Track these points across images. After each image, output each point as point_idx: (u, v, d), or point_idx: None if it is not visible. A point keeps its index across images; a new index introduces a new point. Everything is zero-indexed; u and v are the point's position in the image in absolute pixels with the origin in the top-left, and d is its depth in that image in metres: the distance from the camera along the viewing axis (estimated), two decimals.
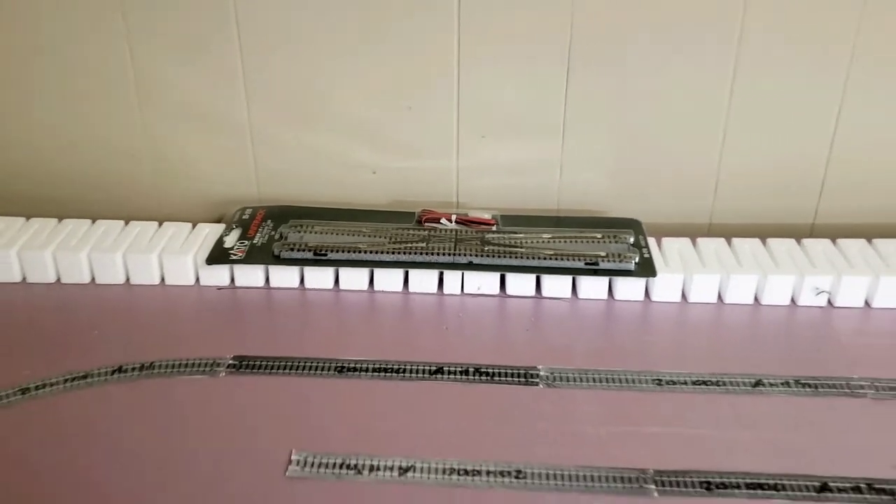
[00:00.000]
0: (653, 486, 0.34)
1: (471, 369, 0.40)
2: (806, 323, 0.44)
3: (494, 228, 0.48)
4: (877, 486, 0.34)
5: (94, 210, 0.51)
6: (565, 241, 0.46)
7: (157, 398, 0.39)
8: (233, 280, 0.46)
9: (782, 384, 0.39)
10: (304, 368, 0.40)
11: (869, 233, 0.48)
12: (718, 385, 0.39)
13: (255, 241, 0.47)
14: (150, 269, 0.46)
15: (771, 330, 0.43)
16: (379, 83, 0.49)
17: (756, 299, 0.45)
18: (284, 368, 0.41)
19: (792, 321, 0.44)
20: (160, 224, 0.49)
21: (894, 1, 0.45)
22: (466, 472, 0.34)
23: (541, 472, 0.34)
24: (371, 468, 0.35)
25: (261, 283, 0.46)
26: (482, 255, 0.45)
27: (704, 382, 0.39)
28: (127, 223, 0.49)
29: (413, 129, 0.50)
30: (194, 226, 0.49)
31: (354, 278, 0.46)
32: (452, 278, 0.46)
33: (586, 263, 0.44)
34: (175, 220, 0.49)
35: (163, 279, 0.47)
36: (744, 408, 0.38)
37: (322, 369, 0.40)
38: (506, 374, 0.40)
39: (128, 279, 0.47)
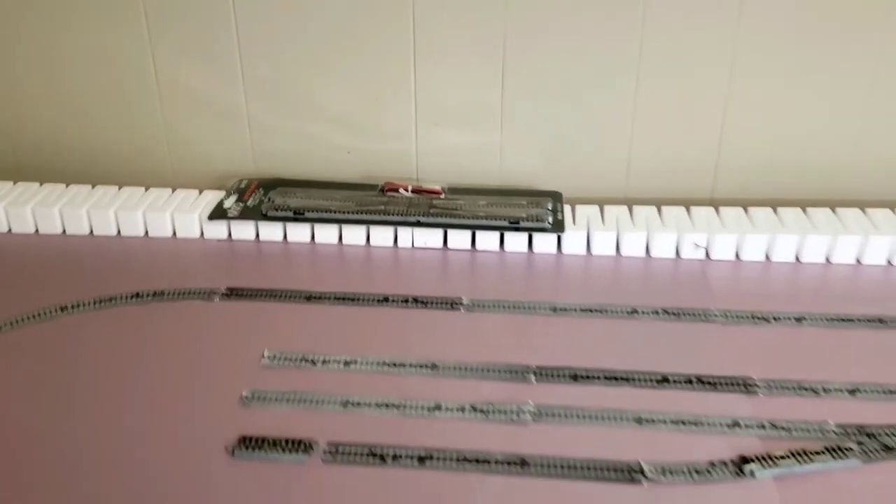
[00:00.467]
0: (532, 377, 0.44)
1: (410, 298, 0.51)
2: (685, 271, 0.54)
3: (442, 196, 0.59)
4: (704, 379, 0.44)
5: (120, 179, 0.63)
6: (496, 207, 0.57)
7: (166, 316, 0.50)
8: (230, 234, 0.58)
9: (653, 312, 0.50)
10: (280, 297, 0.52)
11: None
12: (601, 312, 0.50)
13: (248, 204, 0.58)
14: (164, 224, 0.58)
15: (654, 276, 0.54)
16: (353, 80, 0.60)
17: (647, 253, 0.55)
18: (265, 297, 0.52)
19: (673, 270, 0.54)
20: (173, 190, 0.61)
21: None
22: (395, 365, 0.45)
23: (451, 366, 0.45)
24: (323, 361, 0.46)
25: (252, 236, 0.58)
26: (428, 216, 0.56)
27: (590, 310, 0.50)
28: (147, 189, 0.61)
29: (380, 117, 0.61)
30: (201, 192, 0.61)
31: (326, 233, 0.57)
32: (404, 234, 0.57)
33: (510, 222, 0.55)
34: (186, 188, 0.61)
35: (174, 233, 0.58)
36: (618, 328, 0.49)
37: (294, 297, 0.52)
38: (436, 302, 0.51)
39: (146, 232, 0.58)
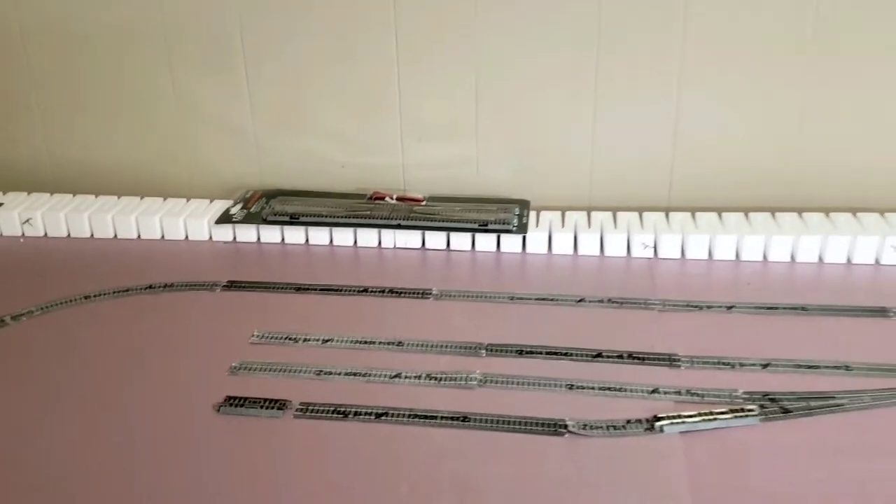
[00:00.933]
0: (484, 352, 0.51)
1: (386, 289, 0.58)
2: (634, 267, 0.61)
3: (423, 204, 0.66)
4: (634, 355, 0.50)
5: (141, 190, 0.71)
6: (469, 212, 0.64)
7: (173, 304, 0.58)
8: (235, 237, 0.66)
9: (598, 301, 0.56)
10: (273, 288, 0.59)
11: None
12: (553, 300, 0.56)
13: (251, 211, 0.66)
14: (178, 228, 0.66)
15: (606, 272, 0.60)
16: (346, 102, 0.68)
17: (602, 252, 0.62)
18: (260, 288, 0.59)
19: (624, 266, 0.61)
20: (188, 199, 0.69)
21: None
22: (366, 342, 0.52)
23: (414, 343, 0.52)
24: (304, 340, 0.53)
25: (253, 238, 0.66)
26: (408, 220, 0.63)
27: (543, 299, 0.56)
28: (165, 199, 0.69)
29: (370, 134, 0.69)
30: (211, 201, 0.69)
31: (319, 236, 0.65)
32: (387, 236, 0.64)
33: (480, 225, 0.62)
34: (199, 197, 0.69)
35: (186, 235, 0.66)
36: (565, 314, 0.55)
37: (286, 289, 0.59)
38: (409, 292, 0.58)
39: (163, 235, 0.66)
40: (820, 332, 0.53)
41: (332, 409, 0.46)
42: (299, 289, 0.59)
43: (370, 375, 0.49)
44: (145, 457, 0.43)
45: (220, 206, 0.68)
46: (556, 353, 0.51)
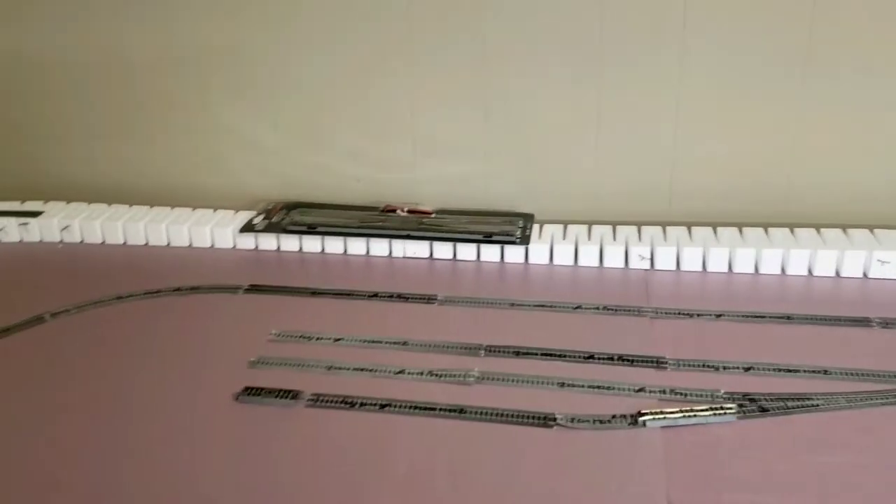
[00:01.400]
0: (483, 352, 0.54)
1: (395, 294, 0.62)
2: (631, 277, 0.64)
3: (432, 216, 0.70)
4: (624, 357, 0.53)
5: (172, 201, 0.76)
6: (475, 224, 0.68)
7: (199, 304, 0.62)
8: (257, 245, 0.70)
9: (594, 308, 0.59)
10: (290, 292, 0.63)
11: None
12: (551, 307, 0.60)
13: (272, 221, 0.71)
14: (204, 236, 0.70)
15: (604, 282, 0.64)
16: (363, 121, 0.72)
17: (601, 262, 0.65)
18: (279, 292, 0.63)
19: (621, 277, 0.64)
20: (214, 210, 0.73)
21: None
22: (373, 342, 0.56)
23: (418, 343, 0.56)
24: (317, 338, 0.57)
25: (274, 247, 0.70)
26: (417, 231, 0.67)
27: (542, 305, 0.60)
28: (193, 209, 0.74)
29: (384, 151, 0.73)
30: (236, 212, 0.73)
31: (334, 245, 0.69)
32: (398, 246, 0.68)
33: (484, 236, 0.66)
34: (224, 208, 0.74)
35: (212, 243, 0.71)
36: (562, 320, 0.58)
37: (302, 293, 0.63)
38: (416, 298, 0.62)
39: (191, 243, 0.71)
40: (803, 339, 0.56)
41: (340, 399, 0.50)
42: (315, 293, 0.63)
43: (376, 371, 0.53)
44: (171, 440, 0.48)
45: (243, 217, 0.72)
46: (550, 355, 0.54)
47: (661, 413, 0.48)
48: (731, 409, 0.48)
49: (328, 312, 0.61)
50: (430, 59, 0.69)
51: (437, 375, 0.52)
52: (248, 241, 0.70)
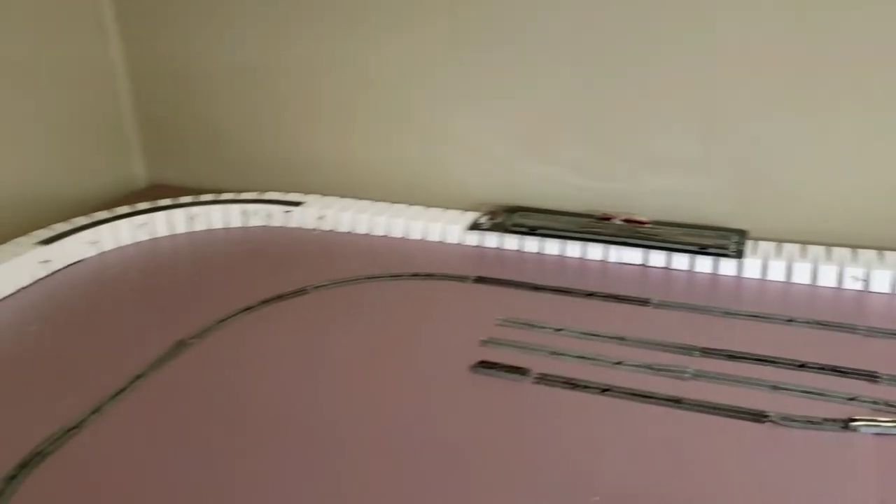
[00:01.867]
0: (697, 353, 0.58)
1: (610, 295, 0.67)
2: (844, 297, 0.65)
3: (648, 226, 0.75)
4: (837, 369, 0.56)
5: (409, 199, 0.85)
6: (690, 236, 0.72)
7: (434, 289, 0.70)
8: (481, 242, 0.78)
9: (806, 322, 0.62)
10: (513, 285, 0.70)
11: None
12: (764, 318, 0.63)
13: (497, 222, 0.78)
14: (436, 231, 0.79)
15: (816, 299, 0.66)
16: (588, 134, 0.78)
17: (813, 280, 0.67)
18: (503, 284, 0.70)
19: (834, 295, 0.66)
20: (445, 209, 0.82)
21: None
22: (592, 335, 0.62)
23: (635, 339, 0.61)
24: (540, 327, 0.63)
25: (496, 245, 0.77)
26: (632, 238, 0.72)
27: (755, 316, 0.63)
28: (427, 208, 0.83)
29: (605, 163, 0.79)
30: (464, 212, 0.82)
31: (552, 247, 0.75)
32: (613, 251, 0.73)
33: (699, 248, 0.70)
34: (454, 208, 0.82)
35: (443, 238, 0.79)
36: (775, 330, 0.61)
37: (524, 286, 0.70)
38: (631, 300, 0.67)
39: (424, 237, 0.80)
40: None
41: (564, 380, 0.56)
42: (535, 288, 0.70)
43: (596, 360, 0.59)
44: (411, 402, 0.56)
45: (470, 217, 0.80)
46: (762, 360, 0.57)
47: (875, 421, 0.50)
48: None
49: (548, 306, 0.67)
50: (657, 79, 0.74)
51: (653, 369, 0.57)
52: (474, 239, 0.78)
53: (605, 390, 0.55)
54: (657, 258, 0.72)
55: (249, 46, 0.89)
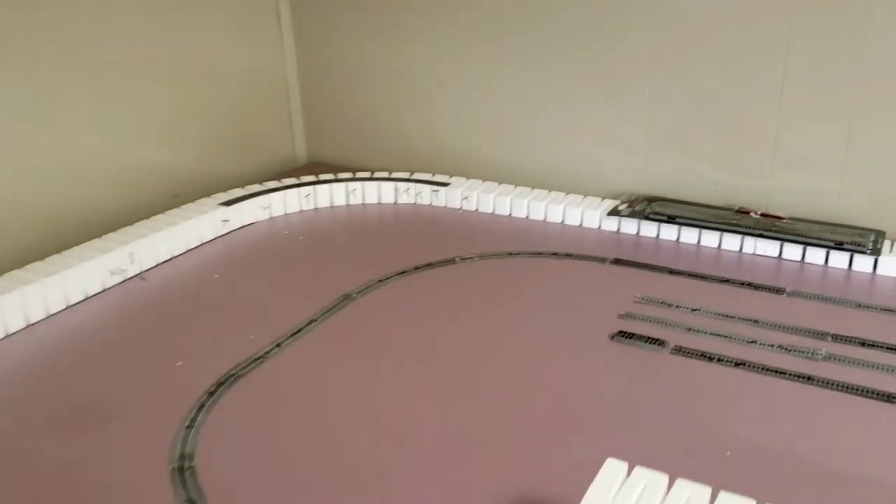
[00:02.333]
0: (829, 338, 0.61)
1: (745, 283, 0.70)
2: None
3: (785, 221, 0.77)
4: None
5: (551, 185, 0.90)
6: (826, 232, 0.74)
7: (574, 268, 0.75)
8: (619, 228, 0.82)
9: None
10: (649, 268, 0.74)
11: None
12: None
13: (635, 209, 0.82)
14: (576, 215, 0.84)
15: None
16: (726, 130, 0.81)
17: None
18: (639, 267, 0.75)
19: None
20: (584, 196, 0.87)
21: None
22: (726, 316, 0.65)
23: (768, 322, 0.64)
24: (676, 306, 0.67)
25: (634, 231, 0.81)
26: (769, 231, 0.75)
27: (889, 310, 0.65)
28: (567, 194, 0.88)
29: (744, 160, 0.81)
30: (602, 199, 0.86)
31: (689, 235, 0.79)
32: (749, 242, 0.76)
33: (835, 244, 0.72)
34: (593, 196, 0.87)
35: (581, 222, 0.84)
36: None
37: (660, 270, 0.74)
38: (765, 287, 0.70)
39: (563, 220, 0.85)
40: None
41: (700, 353, 0.60)
42: (671, 271, 0.74)
43: (730, 338, 0.62)
44: (554, 362, 0.61)
45: (609, 204, 0.85)
46: (895, 350, 0.60)
47: None
48: None
49: (684, 288, 0.71)
50: (800, 77, 0.76)
51: (786, 349, 0.60)
52: (612, 224, 0.83)
53: (738, 364, 0.59)
54: (793, 251, 0.74)
55: (405, 51, 0.97)
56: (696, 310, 0.67)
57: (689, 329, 0.64)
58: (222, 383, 0.58)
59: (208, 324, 0.66)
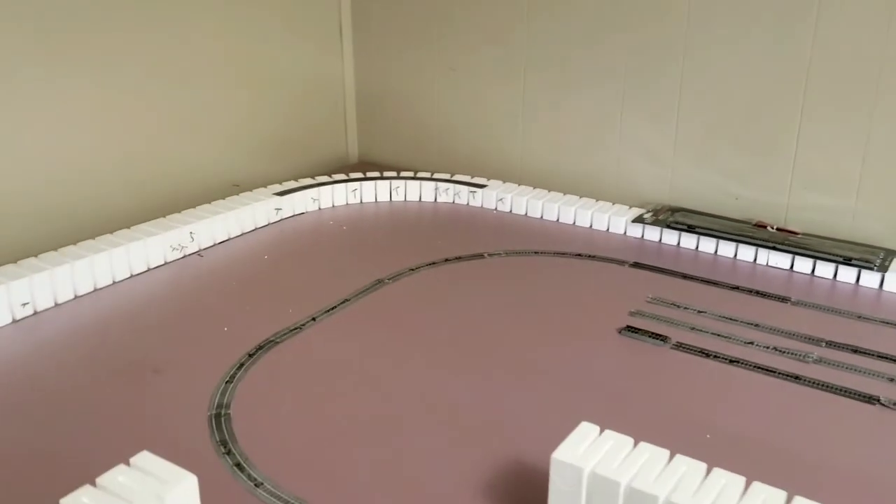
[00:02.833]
0: (823, 344, 0.65)
1: (753, 290, 0.75)
2: None
3: (799, 236, 0.81)
4: None
5: (582, 192, 0.95)
6: (837, 248, 0.78)
7: (594, 269, 0.80)
8: (643, 235, 0.87)
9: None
10: (666, 273, 0.79)
11: None
12: (894, 325, 0.68)
13: (659, 218, 0.87)
14: (603, 221, 0.89)
15: None
16: (747, 148, 0.85)
17: None
18: (656, 270, 0.79)
19: None
20: (612, 203, 0.92)
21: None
22: (729, 319, 0.69)
23: (768, 326, 0.68)
24: (684, 307, 0.71)
25: (657, 238, 0.86)
26: (782, 244, 0.79)
27: (890, 323, 0.68)
28: (596, 200, 0.93)
29: (765, 176, 0.85)
30: (629, 207, 0.91)
31: (707, 245, 0.83)
32: (762, 254, 0.80)
33: (844, 259, 0.76)
34: (620, 203, 0.92)
35: (608, 228, 0.89)
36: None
37: (673, 274, 0.78)
38: (772, 296, 0.74)
39: (591, 225, 0.90)
40: None
41: (699, 350, 0.65)
42: (685, 276, 0.78)
43: (730, 338, 0.66)
44: (565, 349, 0.66)
45: (635, 212, 0.90)
46: (886, 358, 0.63)
47: None
48: None
49: (694, 293, 0.75)
50: (818, 98, 0.80)
51: (780, 351, 0.64)
52: (636, 231, 0.87)
53: (733, 361, 0.63)
54: (804, 265, 0.78)
55: (447, 58, 1.03)
56: (702, 312, 0.71)
57: (693, 328, 0.68)
58: (261, 347, 0.64)
59: (254, 297, 0.74)
